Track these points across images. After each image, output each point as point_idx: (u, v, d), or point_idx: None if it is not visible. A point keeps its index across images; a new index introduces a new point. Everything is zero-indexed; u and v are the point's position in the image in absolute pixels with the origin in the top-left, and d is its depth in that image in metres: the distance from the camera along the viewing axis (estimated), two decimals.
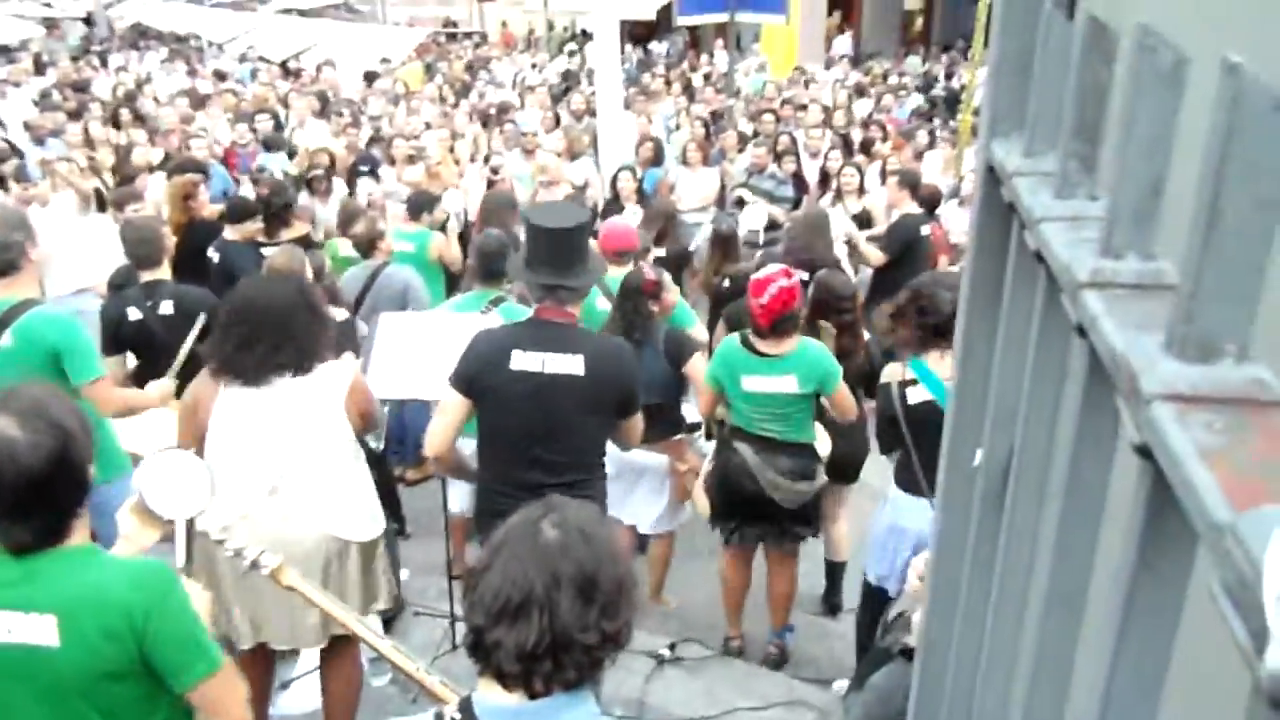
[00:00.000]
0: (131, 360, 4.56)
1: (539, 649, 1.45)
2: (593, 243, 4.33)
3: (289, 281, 3.40)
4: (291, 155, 8.90)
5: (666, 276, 4.58)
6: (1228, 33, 0.85)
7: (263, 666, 3.32)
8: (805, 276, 5.44)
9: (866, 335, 4.62)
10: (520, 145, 9.07)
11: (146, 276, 4.48)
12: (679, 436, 4.52)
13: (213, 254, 5.85)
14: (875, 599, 3.99)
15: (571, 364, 3.14)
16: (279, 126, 9.83)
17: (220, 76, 15.48)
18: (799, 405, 4.00)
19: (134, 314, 4.39)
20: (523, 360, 3.14)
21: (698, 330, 5.05)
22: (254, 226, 5.98)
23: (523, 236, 3.41)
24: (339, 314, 5.07)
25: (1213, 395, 0.48)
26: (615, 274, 4.90)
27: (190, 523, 2.38)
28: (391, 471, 5.38)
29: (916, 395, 3.63)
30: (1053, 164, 0.95)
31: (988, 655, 1.18)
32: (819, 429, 4.19)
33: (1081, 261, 0.67)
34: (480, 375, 3.18)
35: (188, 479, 2.39)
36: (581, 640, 1.46)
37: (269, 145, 8.86)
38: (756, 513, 4.13)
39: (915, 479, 3.67)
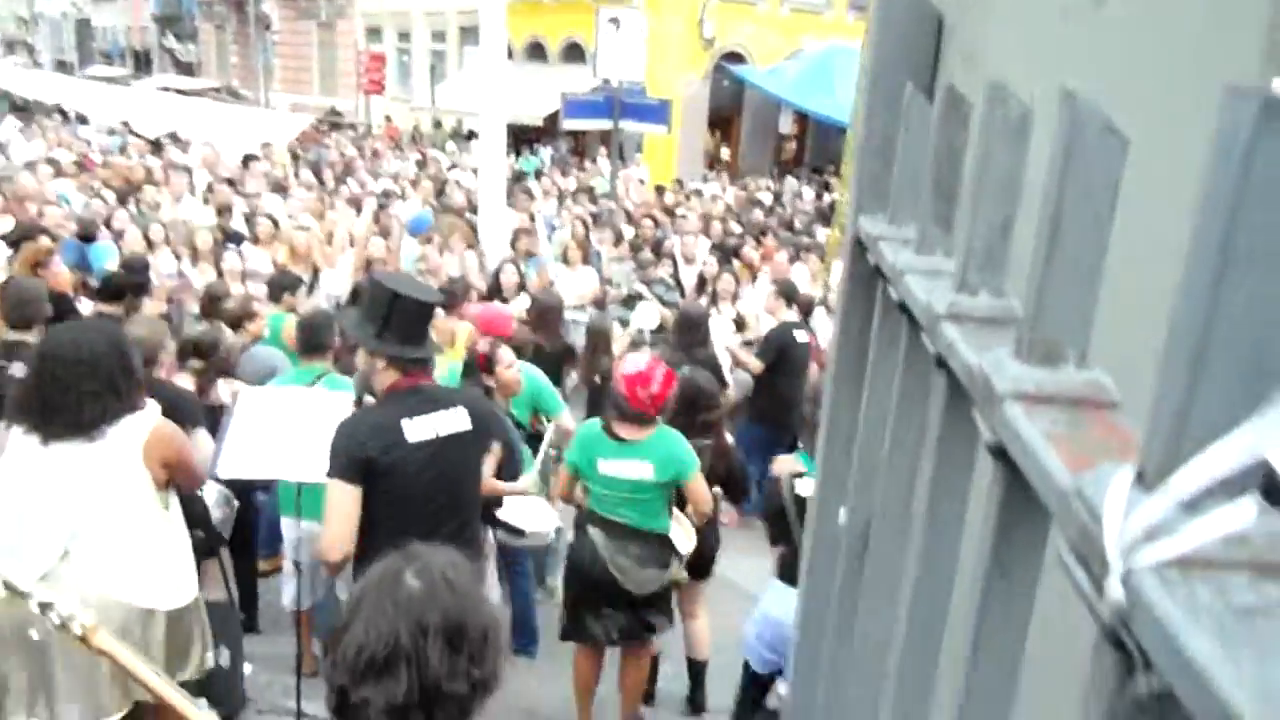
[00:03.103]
0: None
1: (409, 703, 1.40)
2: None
3: (104, 332, 3.16)
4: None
5: (504, 352, 4.57)
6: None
7: None
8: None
9: (730, 437, 4.68)
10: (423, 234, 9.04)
11: (11, 336, 4.29)
12: None
13: None
14: (753, 685, 3.98)
15: (459, 419, 3.16)
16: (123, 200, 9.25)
17: (85, 143, 14.91)
18: (653, 493, 3.98)
19: None
20: (415, 429, 3.06)
21: (564, 418, 5.05)
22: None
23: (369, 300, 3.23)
24: (234, 386, 4.83)
25: (1057, 395, 0.52)
26: None
27: None
28: (255, 562, 5.10)
29: (806, 487, 3.68)
30: (913, 233, 1.03)
31: (851, 715, 1.19)
32: (684, 525, 4.19)
33: (940, 298, 0.72)
34: (375, 458, 3.00)
35: None
36: (452, 690, 1.42)
37: (85, 236, 8.07)
38: (605, 600, 4.06)
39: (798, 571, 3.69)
